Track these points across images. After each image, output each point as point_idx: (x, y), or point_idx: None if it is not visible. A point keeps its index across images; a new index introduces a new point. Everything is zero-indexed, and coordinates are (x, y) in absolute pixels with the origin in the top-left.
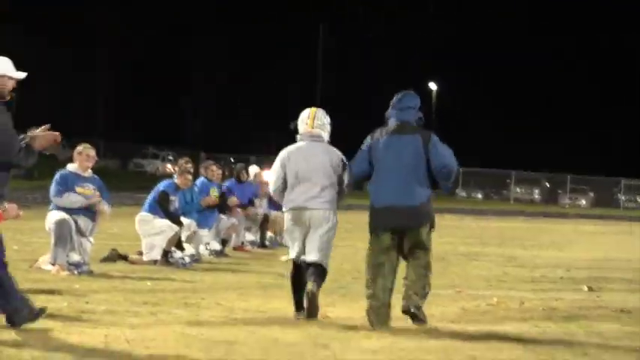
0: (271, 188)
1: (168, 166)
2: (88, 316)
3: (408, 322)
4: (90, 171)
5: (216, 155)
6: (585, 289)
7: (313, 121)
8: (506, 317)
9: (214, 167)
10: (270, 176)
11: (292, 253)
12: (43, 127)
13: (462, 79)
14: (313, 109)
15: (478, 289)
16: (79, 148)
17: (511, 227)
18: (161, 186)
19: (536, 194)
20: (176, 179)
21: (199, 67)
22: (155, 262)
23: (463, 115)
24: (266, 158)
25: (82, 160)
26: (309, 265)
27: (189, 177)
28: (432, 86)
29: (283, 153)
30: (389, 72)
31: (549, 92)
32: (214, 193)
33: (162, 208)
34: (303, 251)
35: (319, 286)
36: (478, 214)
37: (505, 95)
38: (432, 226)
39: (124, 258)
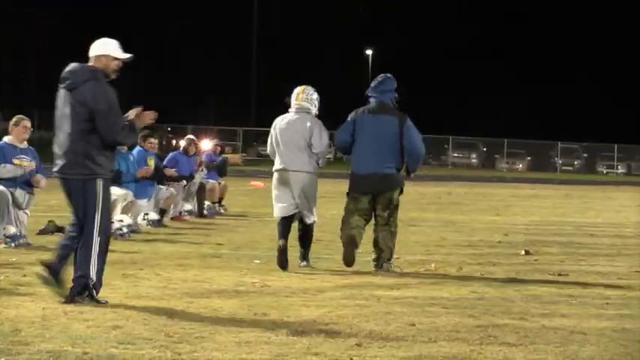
0: (268, 150)
1: None
2: (26, 289)
3: (348, 290)
4: (25, 142)
5: (153, 125)
6: (523, 253)
7: (301, 95)
8: (445, 282)
9: (152, 138)
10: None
11: (277, 211)
12: (137, 108)
13: (398, 44)
14: (303, 86)
15: (416, 254)
16: (15, 119)
17: (449, 192)
18: None
19: (474, 159)
20: None
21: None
22: None
23: (399, 81)
24: (202, 128)
25: (20, 131)
26: (299, 228)
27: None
28: (368, 52)
29: (275, 121)
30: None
31: (484, 55)
32: (151, 162)
33: None
34: (289, 207)
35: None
36: (416, 179)
37: (441, 59)
38: (401, 191)
39: (62, 230)
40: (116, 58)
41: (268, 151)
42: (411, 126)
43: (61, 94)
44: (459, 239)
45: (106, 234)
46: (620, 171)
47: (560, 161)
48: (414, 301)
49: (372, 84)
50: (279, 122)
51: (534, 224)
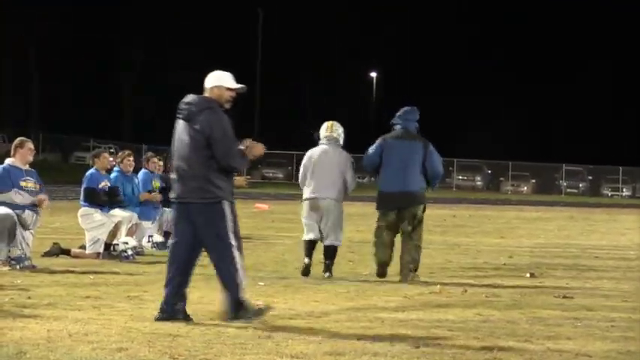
0: (300, 179)
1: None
2: (30, 311)
3: (353, 313)
4: (27, 165)
5: (158, 148)
6: (528, 275)
7: (330, 128)
8: (450, 305)
9: (155, 159)
10: (301, 167)
11: (308, 235)
12: (249, 139)
13: (401, 68)
14: (331, 121)
15: (421, 276)
16: (19, 141)
17: (453, 215)
18: (85, 182)
19: (478, 181)
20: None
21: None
22: (98, 255)
23: (403, 104)
24: None
25: (25, 154)
26: (325, 248)
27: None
28: (373, 74)
29: (308, 152)
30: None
31: (487, 78)
32: (156, 184)
33: (94, 203)
34: (317, 233)
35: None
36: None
37: (444, 83)
38: (424, 209)
39: (67, 252)
40: (229, 89)
41: (300, 181)
42: (433, 150)
43: (180, 124)
44: (464, 261)
45: (240, 249)
46: (625, 193)
47: (565, 184)
48: (418, 323)
49: (398, 113)
50: (314, 153)
51: (539, 246)
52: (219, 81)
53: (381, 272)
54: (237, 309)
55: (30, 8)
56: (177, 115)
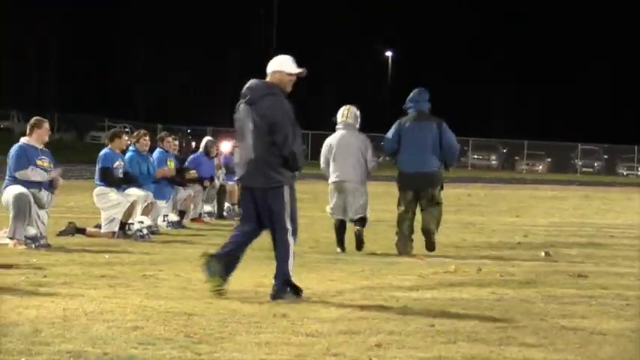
0: (321, 164)
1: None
2: (46, 289)
3: (368, 292)
4: (42, 144)
5: (172, 127)
6: (542, 254)
7: (347, 113)
8: (464, 284)
9: (170, 138)
10: (321, 158)
11: (335, 214)
12: None
13: (417, 47)
14: (348, 105)
15: (436, 255)
16: (36, 120)
17: (469, 194)
18: (99, 161)
19: (494, 160)
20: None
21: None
22: (113, 234)
23: (417, 84)
24: (222, 130)
25: (42, 133)
26: (355, 220)
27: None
28: (388, 54)
29: (327, 140)
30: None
31: (503, 57)
32: (171, 164)
33: (109, 183)
34: (343, 213)
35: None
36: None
37: (460, 62)
38: (441, 187)
39: (82, 231)
40: (290, 74)
41: (322, 168)
42: (447, 128)
43: (242, 108)
44: (479, 240)
45: (295, 235)
46: None
47: (581, 163)
48: (433, 302)
49: (410, 97)
50: (334, 140)
51: (554, 226)
52: (280, 66)
53: (404, 252)
54: (284, 289)
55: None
56: (240, 100)
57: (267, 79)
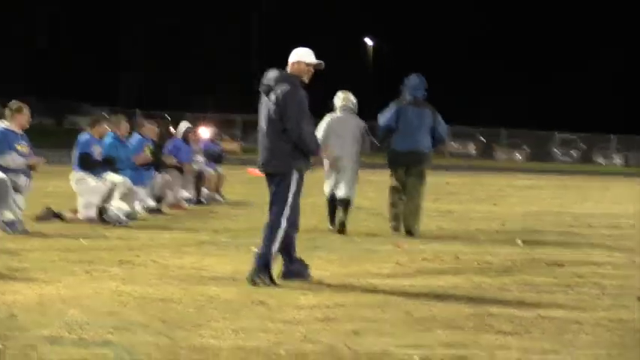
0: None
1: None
2: (22, 274)
3: (346, 279)
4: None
5: (151, 112)
6: (519, 242)
7: (344, 97)
8: (441, 271)
9: (148, 124)
10: (318, 133)
11: (327, 189)
12: None
13: (398, 34)
14: (344, 91)
15: (413, 243)
16: (16, 106)
17: (447, 182)
18: (78, 147)
19: (472, 148)
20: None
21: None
22: (90, 219)
23: (399, 70)
24: (201, 116)
25: (23, 119)
26: (340, 199)
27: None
28: (368, 41)
29: (327, 118)
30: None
31: (483, 46)
32: (148, 149)
33: (87, 168)
34: (335, 188)
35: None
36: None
37: (439, 49)
38: (429, 166)
39: (59, 216)
40: (308, 64)
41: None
42: (439, 115)
43: (262, 99)
44: (456, 229)
45: (293, 224)
46: (617, 162)
47: (558, 151)
48: (410, 289)
49: (409, 83)
50: (332, 117)
51: (532, 214)
52: (299, 57)
53: (396, 226)
54: (261, 272)
55: None
56: (260, 89)
57: (288, 69)
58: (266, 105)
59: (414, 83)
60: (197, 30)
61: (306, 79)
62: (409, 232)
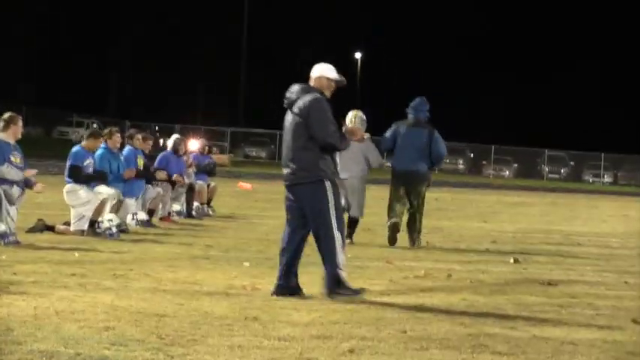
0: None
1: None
2: (16, 287)
3: (338, 297)
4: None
5: (140, 124)
6: (511, 261)
7: (355, 118)
8: (435, 289)
9: (139, 136)
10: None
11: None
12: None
13: (386, 49)
14: (355, 110)
15: (405, 260)
16: (10, 117)
17: (436, 198)
18: (70, 158)
19: (461, 164)
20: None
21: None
22: (82, 232)
23: (387, 85)
24: (190, 128)
25: (17, 130)
26: (350, 218)
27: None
28: (357, 55)
29: None
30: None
31: (472, 59)
32: (141, 162)
33: (78, 181)
34: (346, 206)
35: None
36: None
37: (428, 65)
38: (428, 184)
39: (51, 228)
40: (329, 79)
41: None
42: (438, 136)
43: (286, 115)
44: (447, 246)
45: (342, 230)
46: (606, 180)
47: (547, 169)
48: (404, 307)
49: (411, 104)
50: None
51: (522, 232)
52: (321, 72)
53: (392, 237)
54: (335, 285)
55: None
56: (284, 103)
57: (312, 82)
58: (289, 118)
59: (415, 104)
60: (187, 42)
61: (327, 94)
62: (411, 243)
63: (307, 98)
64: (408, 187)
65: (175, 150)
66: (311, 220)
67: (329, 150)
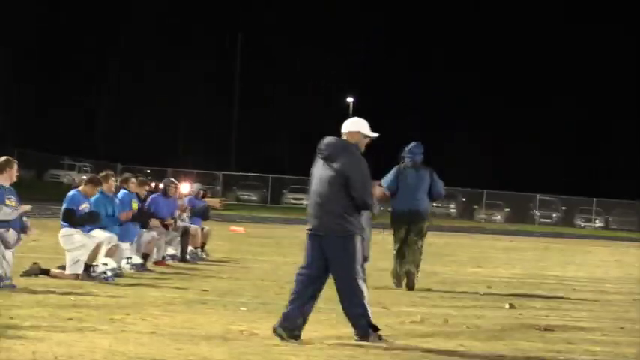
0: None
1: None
2: (14, 331)
3: (336, 340)
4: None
5: (131, 167)
6: (507, 306)
7: None
8: (432, 334)
9: (134, 180)
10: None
11: None
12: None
13: (377, 94)
14: None
15: (401, 305)
16: (6, 161)
17: (429, 243)
18: (66, 202)
19: (452, 209)
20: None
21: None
22: (77, 275)
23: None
24: (182, 172)
25: (13, 174)
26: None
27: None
28: (349, 99)
29: None
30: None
31: (461, 105)
32: (135, 205)
33: (71, 224)
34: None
35: None
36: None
37: (418, 110)
38: (429, 223)
39: (46, 272)
40: (366, 136)
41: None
42: (436, 176)
43: (319, 163)
44: (443, 290)
45: (364, 279)
46: (597, 225)
47: (539, 213)
48: (403, 352)
49: (407, 148)
50: None
51: (516, 277)
52: (358, 127)
53: (398, 283)
54: (370, 335)
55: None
56: (318, 155)
57: (344, 137)
58: (326, 171)
59: (411, 148)
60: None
61: (362, 149)
62: (409, 281)
63: (349, 157)
64: (411, 226)
65: (165, 192)
66: (335, 271)
67: (362, 208)
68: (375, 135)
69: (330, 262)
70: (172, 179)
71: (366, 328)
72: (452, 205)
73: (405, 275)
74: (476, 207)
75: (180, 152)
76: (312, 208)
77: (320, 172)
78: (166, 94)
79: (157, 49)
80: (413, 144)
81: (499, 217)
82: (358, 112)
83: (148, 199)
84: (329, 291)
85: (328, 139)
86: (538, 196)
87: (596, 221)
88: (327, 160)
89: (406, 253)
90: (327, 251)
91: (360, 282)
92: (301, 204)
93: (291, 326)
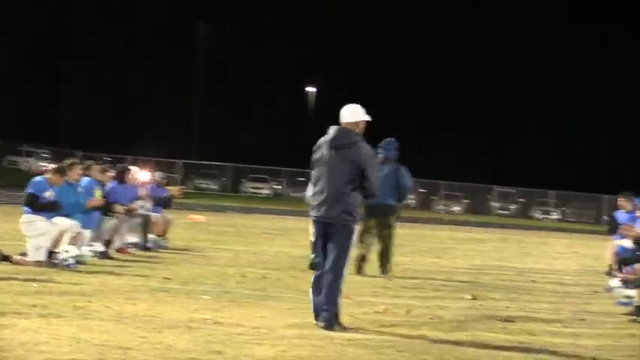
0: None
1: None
2: None
3: (300, 330)
4: None
5: (92, 155)
6: (468, 297)
7: None
8: (396, 325)
9: (98, 167)
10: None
11: None
12: None
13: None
14: None
15: (364, 295)
16: None
17: None
18: (30, 186)
19: (411, 199)
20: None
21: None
22: (40, 263)
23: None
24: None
25: None
26: None
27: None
28: (310, 89)
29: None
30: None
31: (423, 98)
32: (99, 193)
33: (33, 209)
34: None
35: None
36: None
37: (379, 101)
38: (397, 216)
39: (7, 258)
40: (365, 122)
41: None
42: (404, 171)
43: (327, 151)
44: (404, 281)
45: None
46: (554, 217)
47: (497, 205)
48: (367, 342)
49: (381, 144)
50: None
51: (476, 268)
52: (358, 116)
53: (359, 268)
54: (335, 323)
55: None
56: (327, 145)
57: (349, 126)
58: (339, 161)
59: (384, 144)
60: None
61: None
62: (383, 271)
63: (366, 149)
64: (379, 219)
65: (120, 178)
66: (331, 257)
67: (369, 198)
68: (369, 118)
69: (329, 248)
70: (126, 164)
71: (331, 320)
72: (411, 196)
73: (379, 257)
74: (434, 198)
75: (141, 140)
76: (320, 196)
77: (330, 161)
78: (129, 81)
79: (119, 36)
80: (387, 140)
81: (457, 208)
82: (319, 102)
83: (106, 190)
84: (293, 280)
85: (339, 129)
86: (495, 187)
87: (554, 213)
88: (338, 148)
89: (378, 244)
90: (331, 238)
91: (345, 270)
92: (260, 193)
93: (327, 315)
